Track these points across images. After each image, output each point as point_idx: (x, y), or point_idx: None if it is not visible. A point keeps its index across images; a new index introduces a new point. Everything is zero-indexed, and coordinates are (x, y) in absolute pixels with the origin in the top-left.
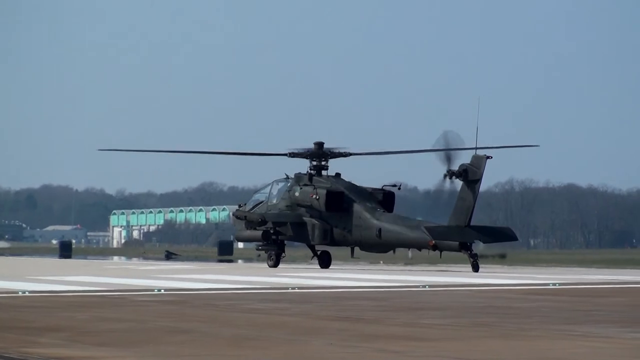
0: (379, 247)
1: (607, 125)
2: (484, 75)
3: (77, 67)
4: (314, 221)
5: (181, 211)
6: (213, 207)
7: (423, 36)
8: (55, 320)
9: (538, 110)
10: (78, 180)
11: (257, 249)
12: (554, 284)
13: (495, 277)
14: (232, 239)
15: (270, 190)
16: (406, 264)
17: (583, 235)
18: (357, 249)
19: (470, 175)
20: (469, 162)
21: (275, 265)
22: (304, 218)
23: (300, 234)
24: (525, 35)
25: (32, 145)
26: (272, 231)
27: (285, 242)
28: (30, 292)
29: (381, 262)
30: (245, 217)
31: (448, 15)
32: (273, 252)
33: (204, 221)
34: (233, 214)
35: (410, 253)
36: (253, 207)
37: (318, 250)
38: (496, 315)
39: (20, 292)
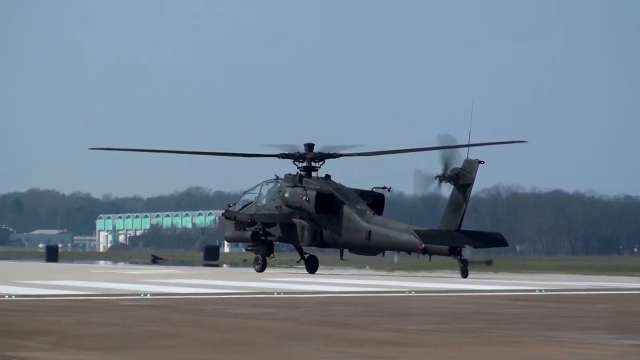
0: (368, 249)
1: (594, 131)
2: (474, 81)
3: (64, 71)
4: (304, 222)
5: (167, 216)
6: (199, 211)
7: (414, 37)
8: (41, 324)
9: (525, 115)
10: (65, 185)
11: (246, 250)
12: (540, 290)
13: (481, 283)
14: (218, 244)
15: (260, 191)
16: (392, 269)
17: (569, 242)
18: (346, 251)
19: (461, 179)
20: (460, 166)
21: (262, 269)
22: (294, 219)
23: (289, 235)
24: (513, 39)
25: (19, 149)
26: (261, 232)
27: (274, 243)
28: (16, 296)
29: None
30: (235, 217)
31: (440, 15)
32: (260, 257)
33: (190, 226)
34: (222, 214)
35: (396, 258)
36: (242, 208)
37: (306, 254)
38: (482, 321)
39: (6, 296)
